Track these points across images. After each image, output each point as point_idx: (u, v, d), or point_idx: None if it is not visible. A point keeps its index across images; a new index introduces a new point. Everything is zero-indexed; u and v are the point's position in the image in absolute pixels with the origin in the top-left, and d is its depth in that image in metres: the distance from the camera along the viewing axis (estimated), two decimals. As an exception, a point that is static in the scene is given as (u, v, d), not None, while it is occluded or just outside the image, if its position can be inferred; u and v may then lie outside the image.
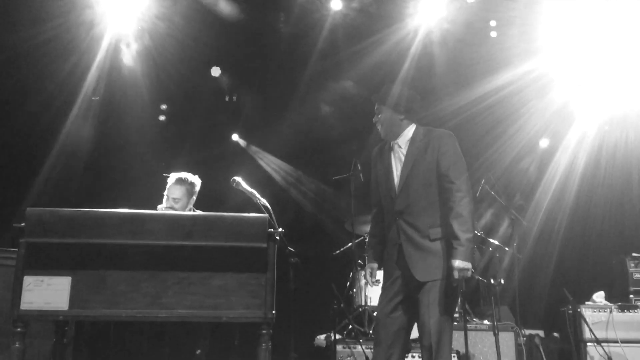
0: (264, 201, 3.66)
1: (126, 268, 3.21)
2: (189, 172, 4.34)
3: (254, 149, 8.14)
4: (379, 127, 3.63)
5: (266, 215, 3.36)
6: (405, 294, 3.43)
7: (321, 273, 6.94)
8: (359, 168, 6.12)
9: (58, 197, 6.45)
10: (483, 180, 5.45)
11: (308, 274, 4.80)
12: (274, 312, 3.24)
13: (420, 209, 3.43)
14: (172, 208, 4.01)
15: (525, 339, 5.52)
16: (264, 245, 3.25)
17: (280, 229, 3.61)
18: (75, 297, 3.16)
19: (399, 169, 3.53)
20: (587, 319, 4.95)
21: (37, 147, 6.69)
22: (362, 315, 6.04)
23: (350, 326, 5.67)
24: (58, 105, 6.62)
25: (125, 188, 6.57)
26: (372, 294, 6.13)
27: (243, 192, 3.75)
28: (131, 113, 7.01)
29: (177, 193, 4.05)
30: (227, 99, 7.80)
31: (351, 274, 6.27)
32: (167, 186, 4.13)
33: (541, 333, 6.07)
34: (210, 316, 3.24)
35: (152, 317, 3.22)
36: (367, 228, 6.26)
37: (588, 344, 4.93)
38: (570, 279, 5.73)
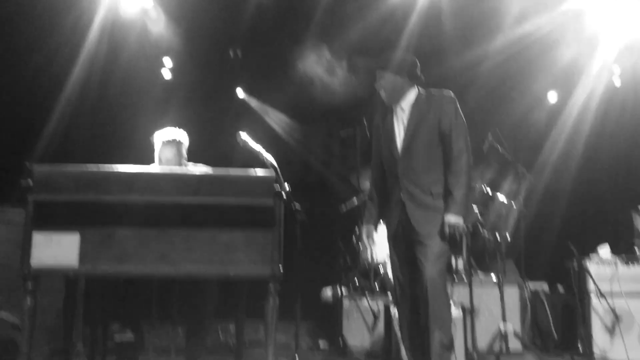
0: (270, 158, 3.64)
1: (134, 225, 3.23)
2: (192, 128, 4.28)
3: (259, 104, 8.08)
4: (381, 92, 3.68)
5: (273, 172, 3.36)
6: (411, 250, 3.52)
7: (327, 228, 6.99)
8: (365, 123, 6.08)
9: (63, 154, 6.44)
10: (490, 135, 5.40)
11: (314, 230, 4.83)
12: (281, 268, 3.27)
13: (423, 169, 3.52)
14: None
15: (530, 293, 5.58)
16: (271, 202, 3.27)
17: (286, 186, 3.62)
18: (84, 253, 3.18)
19: (402, 131, 3.60)
20: (592, 273, 4.98)
21: (41, 103, 6.65)
22: (369, 270, 6.10)
23: (357, 281, 5.74)
24: (61, 61, 6.56)
25: (129, 145, 6.55)
26: (377, 249, 6.18)
27: (249, 149, 3.72)
28: (135, 69, 6.94)
29: (169, 154, 3.96)
30: (231, 54, 7.69)
31: (357, 229, 6.30)
32: (156, 147, 4.02)
33: (545, 286, 6.13)
34: (218, 272, 3.27)
35: (160, 274, 3.26)
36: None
37: (592, 297, 4.97)
38: (576, 233, 5.74)
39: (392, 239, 3.63)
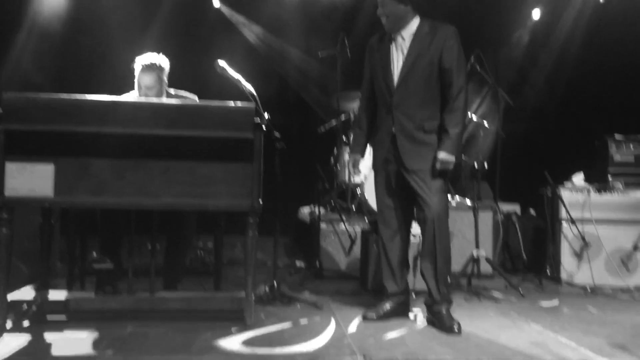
0: (249, 87, 3.54)
1: (110, 156, 3.18)
2: (167, 49, 4.12)
3: (234, 15, 7.77)
4: (383, 19, 3.53)
5: (252, 104, 3.28)
6: (397, 181, 3.56)
7: (305, 149, 6.96)
8: (346, 43, 5.93)
9: (28, 83, 6.17)
10: (472, 58, 5.30)
11: (292, 150, 4.77)
12: (260, 201, 3.27)
13: (417, 102, 3.47)
14: (146, 96, 3.82)
15: (502, 216, 5.71)
16: (250, 135, 3.21)
17: (266, 115, 3.55)
18: (59, 184, 3.14)
19: (400, 61, 3.51)
20: (565, 200, 5.08)
21: (3, 26, 6.30)
22: (346, 192, 6.15)
23: (334, 202, 5.79)
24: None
25: (100, 72, 6.32)
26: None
27: (227, 77, 3.61)
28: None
29: (149, 80, 3.80)
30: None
31: (335, 150, 6.28)
32: (136, 73, 3.86)
33: (518, 209, 6.27)
34: (197, 204, 3.27)
35: (138, 205, 3.25)
36: (353, 105, 6.27)
37: (563, 223, 5.10)
38: (551, 160, 5.78)
39: (380, 169, 3.62)
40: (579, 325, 3.60)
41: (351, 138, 3.91)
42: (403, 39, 3.52)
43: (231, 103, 3.24)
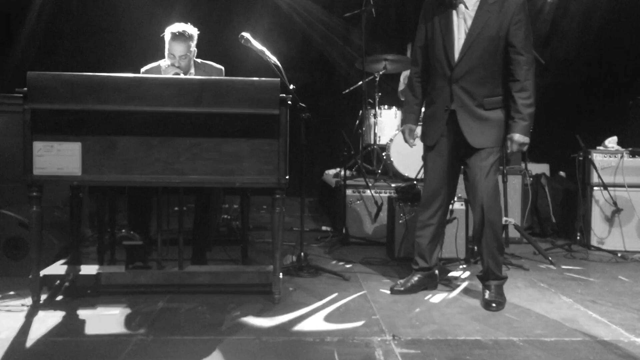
0: (274, 59, 3.47)
1: (136, 134, 3.16)
2: (192, 19, 4.06)
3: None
4: None
5: (277, 79, 3.21)
6: (451, 157, 3.45)
7: (330, 110, 6.89)
8: (371, 2, 5.77)
9: (47, 60, 6.12)
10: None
11: (317, 114, 4.70)
12: (287, 177, 3.24)
13: (480, 77, 3.30)
14: (176, 66, 3.80)
15: (531, 179, 5.61)
16: (276, 111, 3.16)
17: (291, 86, 3.48)
18: (87, 162, 3.15)
19: (463, 31, 3.31)
20: (597, 164, 4.97)
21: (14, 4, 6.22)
22: (371, 154, 6.10)
23: (359, 166, 5.75)
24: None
25: (121, 48, 6.24)
26: (380, 132, 6.13)
27: (252, 48, 3.54)
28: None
29: (180, 49, 3.78)
30: None
31: (360, 112, 6.20)
32: (166, 42, 3.84)
33: (547, 170, 6.16)
34: (224, 181, 3.25)
35: (165, 182, 3.23)
36: (378, 66, 6.14)
37: (595, 188, 5.00)
38: (584, 123, 5.62)
39: (434, 146, 3.46)
40: (610, 297, 3.56)
41: (403, 107, 3.72)
42: (466, 7, 3.31)
43: (256, 78, 3.17)
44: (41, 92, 3.07)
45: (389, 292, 3.56)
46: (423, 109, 3.63)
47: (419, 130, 3.68)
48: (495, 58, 3.30)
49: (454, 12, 3.34)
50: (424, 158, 3.57)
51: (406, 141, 3.64)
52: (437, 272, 3.68)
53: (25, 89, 3.05)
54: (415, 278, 3.59)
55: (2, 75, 6.13)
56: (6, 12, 6.30)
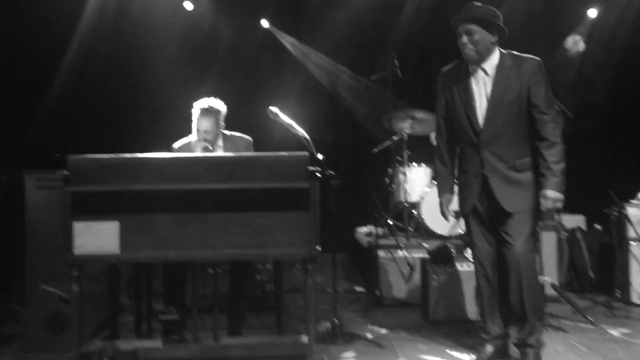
0: (302, 132, 3.57)
1: (171, 211, 3.24)
2: (220, 93, 4.21)
3: (284, 35, 7.84)
4: (469, 48, 3.31)
5: (306, 153, 3.29)
6: (489, 223, 3.45)
7: (359, 169, 6.95)
8: (397, 64, 5.89)
9: (84, 137, 6.29)
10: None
11: (346, 173, 4.73)
12: (318, 248, 3.28)
13: (507, 140, 3.33)
14: (204, 140, 3.92)
15: (566, 233, 5.54)
16: (306, 184, 3.23)
17: (320, 156, 3.57)
18: (125, 240, 3.23)
19: (484, 97, 3.36)
20: (632, 218, 4.89)
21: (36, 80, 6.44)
22: (402, 212, 6.10)
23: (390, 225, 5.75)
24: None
25: (155, 123, 6.46)
26: (411, 190, 6.14)
27: (280, 122, 3.66)
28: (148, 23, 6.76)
29: (207, 124, 3.90)
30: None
31: (389, 170, 6.24)
32: (194, 118, 3.98)
33: (582, 223, 6.05)
34: (256, 254, 3.32)
35: (200, 258, 3.30)
36: (404, 124, 6.20)
37: (631, 243, 4.91)
38: (617, 177, 5.55)
39: (472, 214, 3.48)
40: (654, 362, 3.47)
41: (436, 179, 3.74)
42: (486, 72, 3.35)
43: (285, 153, 3.26)
44: (81, 174, 3.19)
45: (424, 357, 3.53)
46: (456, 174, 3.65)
47: (455, 204, 3.65)
48: (520, 119, 3.33)
49: (471, 79, 3.39)
50: (467, 227, 3.58)
51: (443, 214, 3.62)
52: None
53: (66, 172, 3.18)
54: (489, 348, 3.50)
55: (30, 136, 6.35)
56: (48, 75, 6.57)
